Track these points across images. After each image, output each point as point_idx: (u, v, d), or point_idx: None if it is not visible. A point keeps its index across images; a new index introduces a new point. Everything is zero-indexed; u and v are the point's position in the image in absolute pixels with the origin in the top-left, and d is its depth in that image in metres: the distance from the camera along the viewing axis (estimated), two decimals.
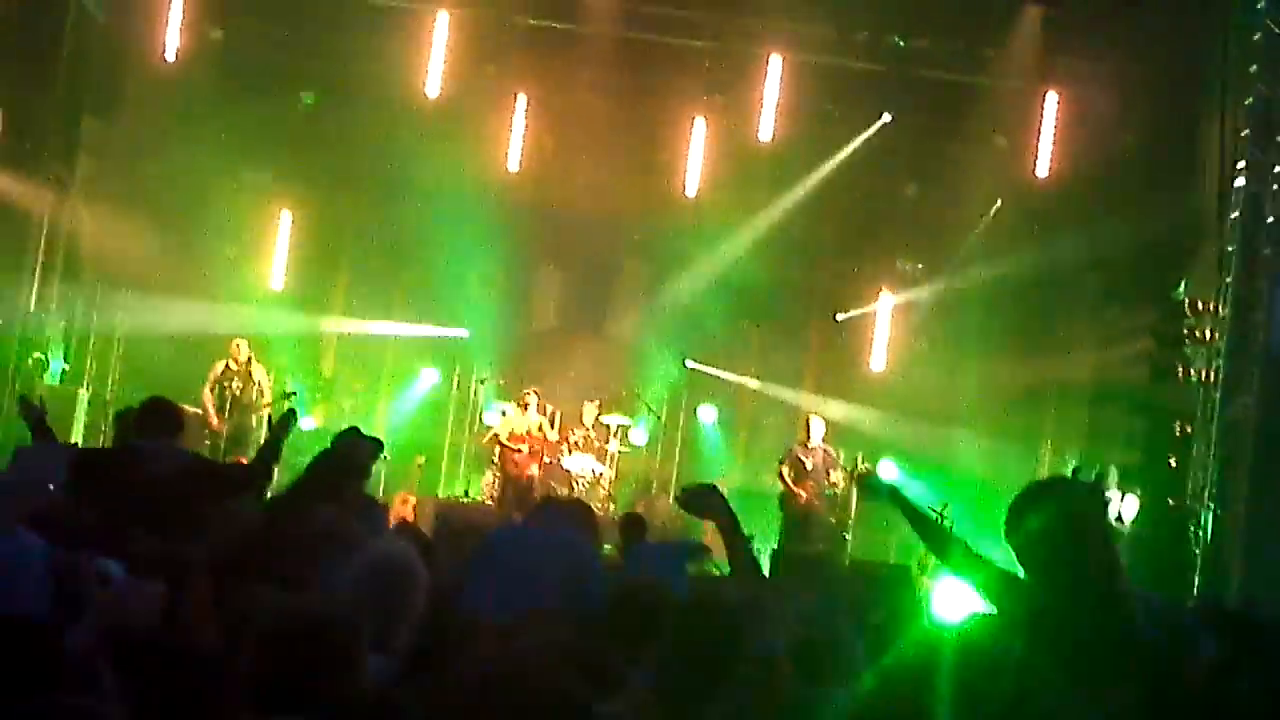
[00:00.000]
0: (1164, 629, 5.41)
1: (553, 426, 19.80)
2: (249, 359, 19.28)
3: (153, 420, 8.95)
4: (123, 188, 20.61)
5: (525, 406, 19.60)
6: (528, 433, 19.50)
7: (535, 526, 9.13)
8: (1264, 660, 5.59)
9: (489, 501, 19.35)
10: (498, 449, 19.57)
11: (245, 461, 9.37)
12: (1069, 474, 5.72)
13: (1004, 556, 5.64)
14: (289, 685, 4.41)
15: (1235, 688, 5.38)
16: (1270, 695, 5.45)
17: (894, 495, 6.48)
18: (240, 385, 19.23)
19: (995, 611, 5.69)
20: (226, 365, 19.26)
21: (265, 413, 19.37)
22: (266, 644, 4.52)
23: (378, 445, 8.63)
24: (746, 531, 6.44)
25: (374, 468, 9.21)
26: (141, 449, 8.67)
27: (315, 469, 7.09)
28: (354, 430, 7.60)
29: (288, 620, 4.62)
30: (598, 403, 20.16)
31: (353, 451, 7.64)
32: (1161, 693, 5.22)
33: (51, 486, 7.46)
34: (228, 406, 19.10)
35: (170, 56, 20.38)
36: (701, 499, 6.42)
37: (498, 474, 19.74)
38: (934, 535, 6.36)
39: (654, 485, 20.84)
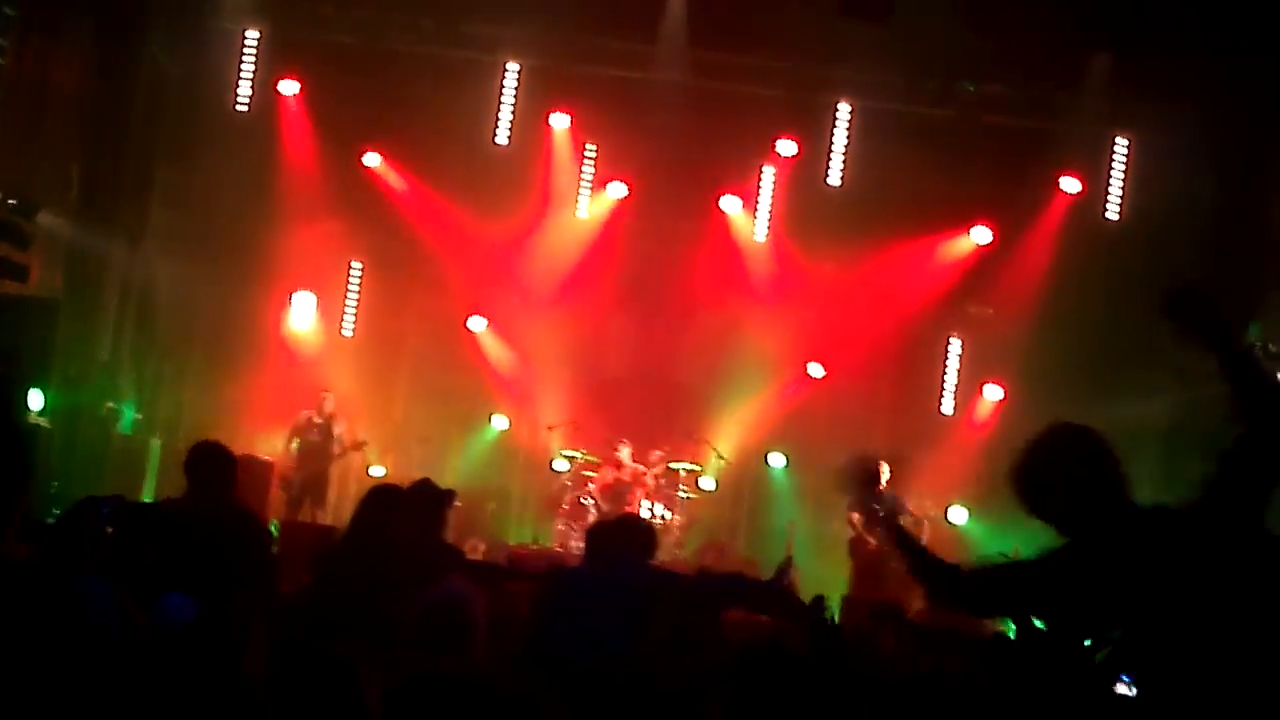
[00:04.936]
0: None
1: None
2: (332, 414, 19.44)
3: (204, 465, 8.78)
4: (196, 238, 20.79)
5: (615, 455, 19.66)
6: (617, 480, 19.52)
7: (595, 569, 9.29)
8: None
9: (559, 549, 19.24)
10: (591, 500, 19.55)
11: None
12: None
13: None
14: None
15: None
16: None
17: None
18: (320, 437, 19.34)
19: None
20: (310, 418, 19.40)
21: (335, 464, 19.55)
22: None
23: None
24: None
25: (447, 513, 9.23)
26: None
27: None
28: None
29: None
30: (664, 449, 20.13)
31: None
32: None
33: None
34: (305, 456, 19.25)
35: (243, 107, 20.59)
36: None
37: (570, 524, 19.72)
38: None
39: (723, 531, 20.76)
